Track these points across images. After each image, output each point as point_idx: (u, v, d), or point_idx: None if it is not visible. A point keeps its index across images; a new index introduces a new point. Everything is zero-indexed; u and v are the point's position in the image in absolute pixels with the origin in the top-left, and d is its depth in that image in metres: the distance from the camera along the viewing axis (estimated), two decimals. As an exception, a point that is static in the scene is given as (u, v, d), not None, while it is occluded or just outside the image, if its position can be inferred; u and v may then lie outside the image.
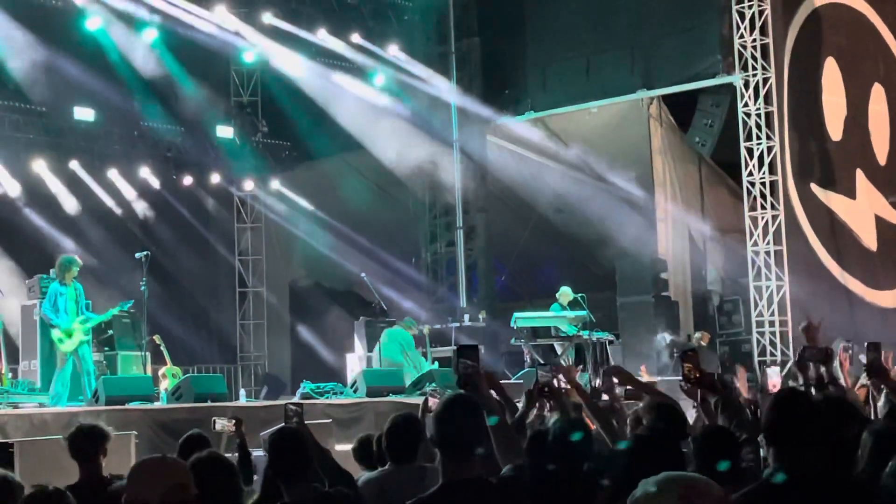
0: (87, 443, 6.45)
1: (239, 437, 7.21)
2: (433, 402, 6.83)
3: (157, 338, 16.37)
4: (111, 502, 4.78)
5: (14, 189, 17.99)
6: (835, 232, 18.39)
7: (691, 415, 6.20)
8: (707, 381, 5.92)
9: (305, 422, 6.61)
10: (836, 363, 7.31)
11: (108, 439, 6.53)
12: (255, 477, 6.81)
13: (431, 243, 21.96)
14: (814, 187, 18.19)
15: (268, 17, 19.17)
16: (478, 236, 21.55)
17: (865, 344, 6.53)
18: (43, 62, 16.85)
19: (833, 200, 18.51)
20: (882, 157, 19.45)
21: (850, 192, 18.85)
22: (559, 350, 17.23)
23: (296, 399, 14.42)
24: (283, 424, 6.40)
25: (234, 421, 7.45)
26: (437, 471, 6.10)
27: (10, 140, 17.96)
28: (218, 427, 7.37)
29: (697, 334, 18.27)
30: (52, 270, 15.72)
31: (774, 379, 8.56)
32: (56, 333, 13.44)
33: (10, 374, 15.01)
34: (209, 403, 12.40)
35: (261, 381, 21.05)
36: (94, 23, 17.45)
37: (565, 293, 17.42)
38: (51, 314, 13.36)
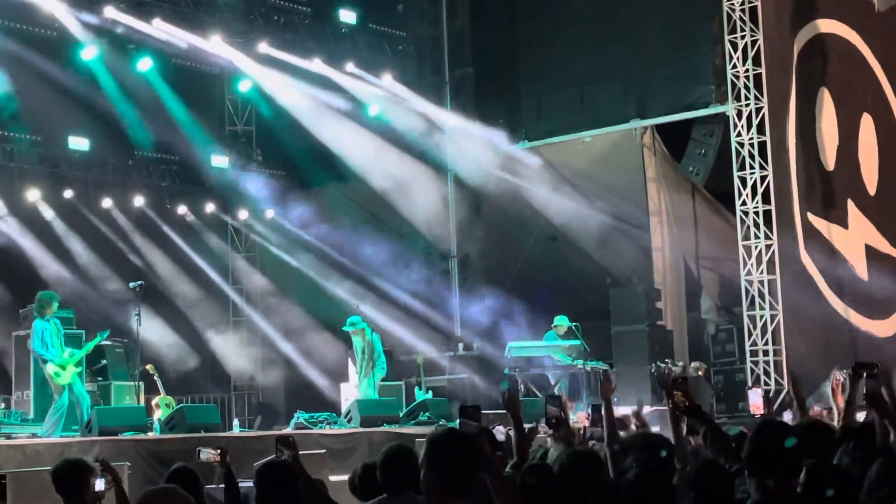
0: (71, 476, 6.36)
1: (224, 468, 7.13)
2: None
3: (150, 367, 16.34)
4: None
5: (7, 218, 17.95)
6: (832, 261, 18.43)
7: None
8: (697, 410, 5.94)
9: (300, 452, 6.58)
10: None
11: (93, 473, 6.45)
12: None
13: (426, 271, 21.95)
14: (810, 216, 18.24)
15: (263, 47, 19.18)
16: (472, 264, 21.54)
17: (864, 372, 6.14)
18: (37, 91, 16.90)
19: (832, 231, 18.56)
20: (871, 187, 19.50)
21: (843, 222, 18.90)
22: (552, 380, 17.21)
23: (289, 430, 14.41)
24: (273, 457, 6.39)
25: (218, 451, 7.38)
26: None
27: (5, 169, 17.96)
28: (203, 457, 7.29)
29: (695, 364, 18.25)
30: (29, 306, 15.74)
31: (757, 400, 8.51)
32: (51, 368, 13.51)
33: (2, 405, 14.97)
34: (202, 434, 12.36)
35: (255, 411, 21.00)
36: (89, 52, 17.48)
37: (561, 323, 17.43)
38: (41, 350, 13.50)
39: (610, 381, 6.87)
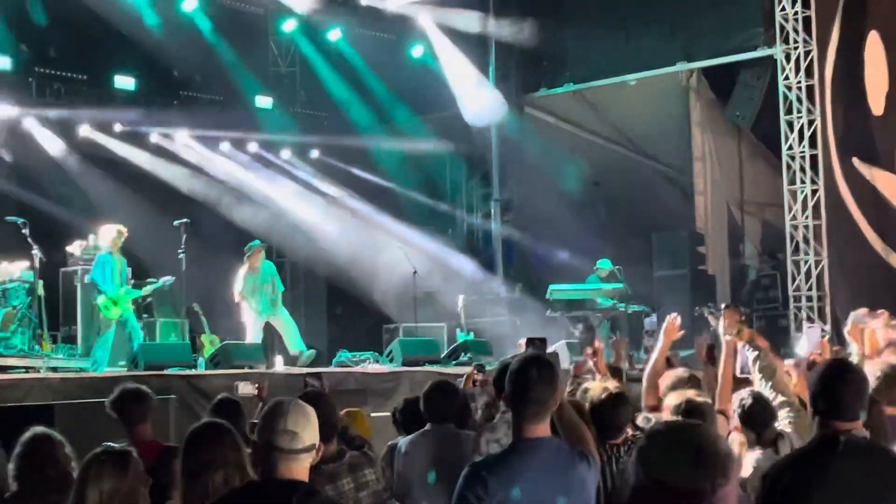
0: (134, 405, 6.48)
1: (262, 402, 7.27)
2: (478, 377, 6.96)
3: (196, 306, 16.51)
4: (164, 467, 4.84)
5: (58, 152, 18.03)
6: (878, 207, 18.24)
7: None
8: (747, 334, 5.97)
9: (339, 389, 6.72)
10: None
11: (153, 401, 6.58)
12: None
13: (468, 215, 21.97)
14: (856, 161, 18.04)
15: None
16: (514, 208, 21.52)
17: None
18: (85, 31, 16.98)
19: (875, 175, 18.34)
20: (924, 132, 19.24)
21: (892, 168, 18.67)
22: (594, 322, 17.23)
23: (332, 368, 14.55)
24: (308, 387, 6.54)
25: (257, 385, 7.55)
26: (470, 437, 6.22)
27: (54, 108, 18.08)
28: (241, 391, 7.45)
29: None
30: (90, 237, 15.94)
31: (816, 339, 8.42)
32: (101, 300, 13.75)
33: (50, 339, 15.19)
34: (246, 370, 12.51)
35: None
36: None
37: (603, 266, 17.45)
38: (99, 280, 13.74)
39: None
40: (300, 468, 4.02)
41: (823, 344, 7.52)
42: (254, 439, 4.13)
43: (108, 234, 14.19)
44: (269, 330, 15.34)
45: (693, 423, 3.28)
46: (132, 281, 14.53)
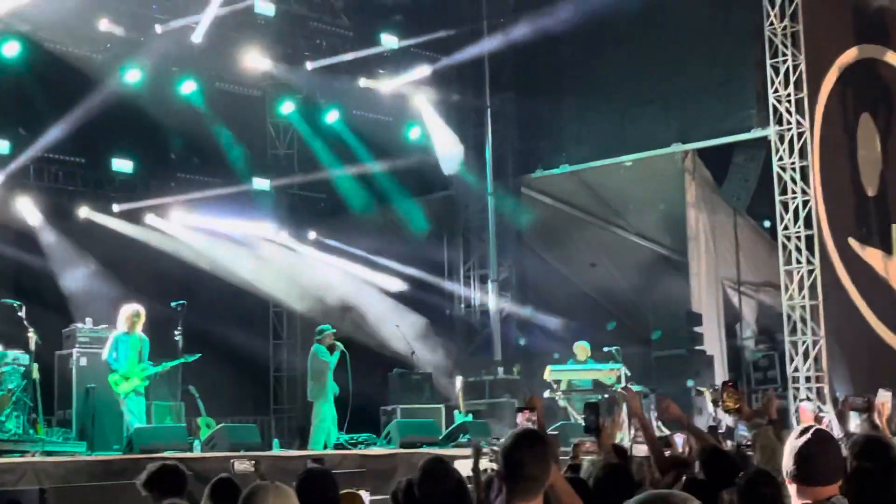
0: (173, 479, 6.45)
1: (260, 478, 7.21)
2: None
3: (192, 388, 16.41)
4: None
5: (51, 238, 18.08)
6: (874, 287, 18.27)
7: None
8: (746, 411, 5.93)
9: (337, 471, 6.64)
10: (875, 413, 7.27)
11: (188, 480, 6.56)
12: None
13: (465, 295, 21.97)
14: (851, 241, 18.11)
15: (308, 66, 19.38)
16: (512, 289, 21.53)
17: None
18: (83, 114, 17.10)
19: (870, 255, 18.41)
20: (918, 212, 19.35)
21: (887, 247, 18.75)
22: (600, 403, 17.11)
23: (329, 450, 14.44)
24: (311, 465, 6.47)
25: (253, 462, 7.49)
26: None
27: (51, 191, 18.18)
28: (238, 468, 7.39)
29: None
30: (87, 319, 15.90)
31: (809, 414, 8.39)
32: (114, 377, 13.76)
33: (45, 423, 15.06)
34: (243, 453, 12.39)
35: (295, 434, 21.00)
36: (133, 75, 17.70)
37: (581, 347, 17.45)
38: (111, 359, 13.81)
39: (635, 396, 6.85)
40: None
41: (817, 416, 7.51)
42: None
43: (124, 314, 14.25)
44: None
45: (666, 493, 3.31)
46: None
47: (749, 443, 6.10)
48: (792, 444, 4.10)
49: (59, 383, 15.84)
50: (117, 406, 14.04)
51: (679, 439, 8.42)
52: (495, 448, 7.31)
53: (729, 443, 6.28)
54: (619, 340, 17.54)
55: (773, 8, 17.50)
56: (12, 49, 16.54)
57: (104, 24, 17.06)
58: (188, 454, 12.53)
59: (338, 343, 15.68)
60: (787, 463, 4.10)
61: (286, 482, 7.95)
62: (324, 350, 15.56)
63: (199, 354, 14.64)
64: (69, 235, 18.10)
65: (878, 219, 18.74)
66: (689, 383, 17.84)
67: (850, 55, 18.45)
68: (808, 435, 4.10)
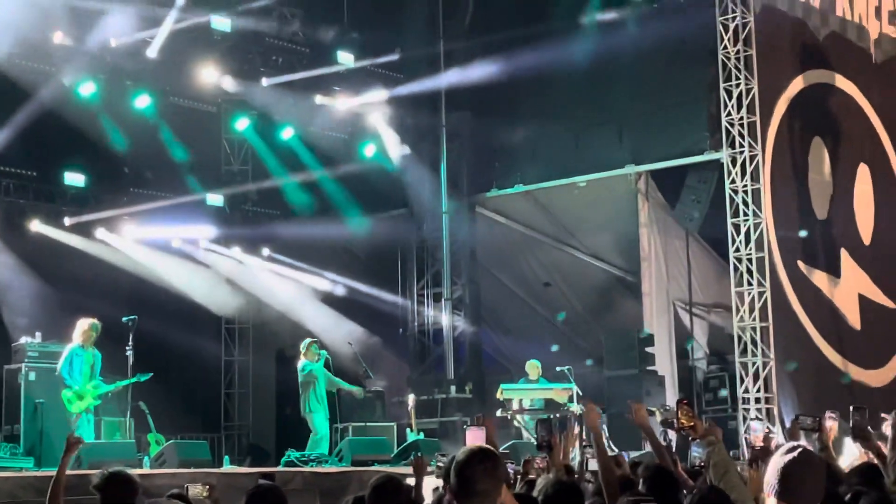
0: (123, 489, 6.38)
1: (213, 503, 7.17)
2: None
3: (142, 404, 16.27)
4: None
5: (4, 247, 17.88)
6: (822, 310, 18.47)
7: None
8: (700, 428, 5.96)
9: (288, 489, 6.61)
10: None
11: (139, 488, 6.48)
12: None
13: (419, 314, 21.96)
14: (800, 264, 18.30)
15: (263, 83, 19.36)
16: (465, 308, 21.56)
17: (851, 407, 6.73)
18: (35, 127, 16.97)
19: (818, 278, 18.62)
20: (867, 236, 19.61)
21: (835, 271, 18.97)
22: (552, 421, 17.16)
23: (280, 468, 14.37)
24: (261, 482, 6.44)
25: (207, 486, 7.43)
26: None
27: (2, 204, 17.99)
28: (191, 493, 7.33)
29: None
30: (36, 333, 15.74)
31: (759, 434, 8.52)
32: (67, 394, 13.60)
33: (-7, 439, 14.91)
34: (192, 469, 12.32)
35: (245, 451, 20.88)
36: (87, 88, 17.60)
37: (533, 366, 17.52)
38: (65, 374, 13.66)
39: (594, 410, 6.88)
40: None
41: (766, 436, 7.63)
42: None
43: (81, 328, 14.12)
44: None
45: None
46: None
47: (703, 463, 6.14)
48: (777, 461, 4.14)
49: (7, 398, 15.68)
50: (66, 422, 13.87)
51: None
52: (440, 465, 7.31)
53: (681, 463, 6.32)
54: (570, 360, 17.60)
55: (726, 32, 17.71)
56: (-35, 61, 16.40)
57: (58, 38, 16.94)
58: (137, 470, 12.40)
59: (322, 352, 15.86)
60: (769, 478, 4.14)
61: (236, 499, 7.97)
62: (308, 364, 15.71)
63: (152, 374, 14.53)
64: (20, 248, 17.91)
65: (827, 243, 18.96)
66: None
67: (801, 80, 18.69)
68: (794, 454, 4.14)
